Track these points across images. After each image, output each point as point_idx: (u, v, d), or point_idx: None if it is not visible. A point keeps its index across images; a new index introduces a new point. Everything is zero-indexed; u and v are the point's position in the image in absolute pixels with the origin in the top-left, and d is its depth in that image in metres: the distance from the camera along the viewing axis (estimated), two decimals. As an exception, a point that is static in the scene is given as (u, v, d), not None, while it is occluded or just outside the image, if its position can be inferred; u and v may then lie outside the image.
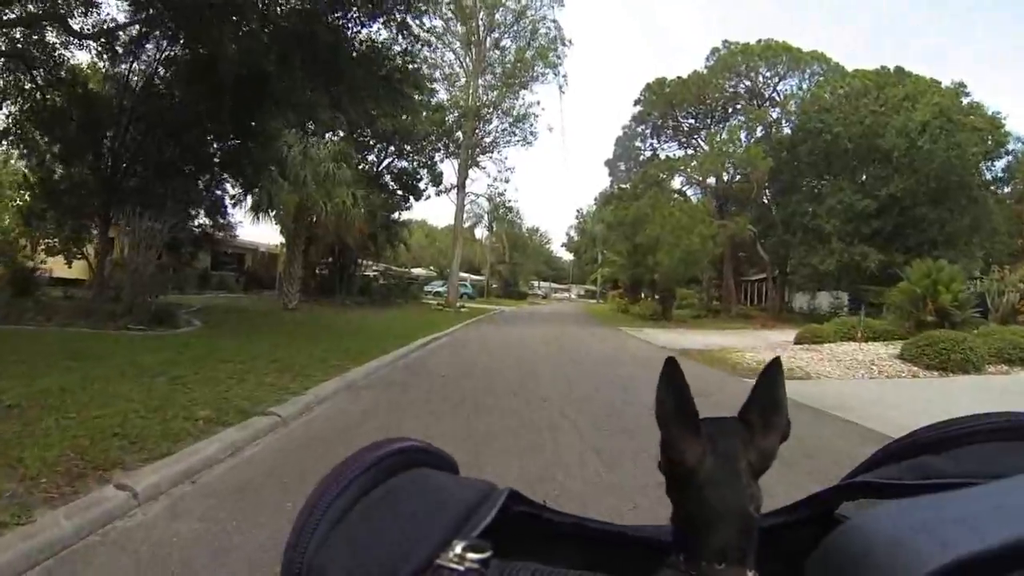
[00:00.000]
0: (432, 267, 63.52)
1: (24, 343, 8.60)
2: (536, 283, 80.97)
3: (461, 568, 0.49)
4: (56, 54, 14.59)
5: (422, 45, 15.39)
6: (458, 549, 0.50)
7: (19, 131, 15.29)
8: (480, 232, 61.86)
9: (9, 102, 14.74)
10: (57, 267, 19.03)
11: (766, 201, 35.39)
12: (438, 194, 36.23)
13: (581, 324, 26.67)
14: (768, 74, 37.70)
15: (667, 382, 0.60)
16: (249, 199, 19.82)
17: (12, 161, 17.14)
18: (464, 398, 7.78)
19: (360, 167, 29.19)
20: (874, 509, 0.55)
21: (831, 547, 0.48)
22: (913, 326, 15.61)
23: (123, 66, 15.40)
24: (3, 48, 13.70)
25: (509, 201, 40.75)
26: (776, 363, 0.63)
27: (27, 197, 17.02)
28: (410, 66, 13.85)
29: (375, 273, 37.63)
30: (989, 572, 0.39)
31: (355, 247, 27.58)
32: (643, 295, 37.89)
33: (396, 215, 34.14)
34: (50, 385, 6.02)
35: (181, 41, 14.19)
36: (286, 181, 19.34)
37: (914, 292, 16.34)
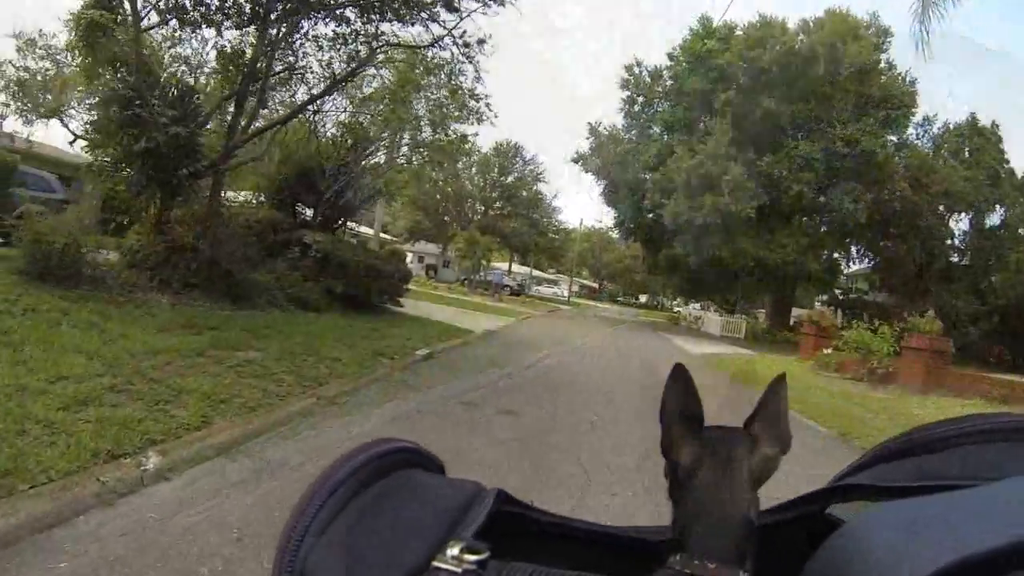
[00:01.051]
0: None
1: None
2: None
3: (458, 570, 0.50)
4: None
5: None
6: (455, 551, 0.51)
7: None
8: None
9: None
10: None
11: None
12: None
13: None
14: None
15: (673, 385, 0.65)
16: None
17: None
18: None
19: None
20: (872, 512, 0.56)
21: (830, 550, 0.50)
22: None
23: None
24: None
25: None
26: (781, 379, 0.69)
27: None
28: None
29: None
30: (986, 574, 0.39)
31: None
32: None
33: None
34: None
35: None
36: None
37: None
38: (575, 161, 35.54)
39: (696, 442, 0.64)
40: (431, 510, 0.58)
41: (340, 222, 15.95)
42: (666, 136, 30.99)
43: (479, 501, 0.61)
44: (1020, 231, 29.72)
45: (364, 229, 35.69)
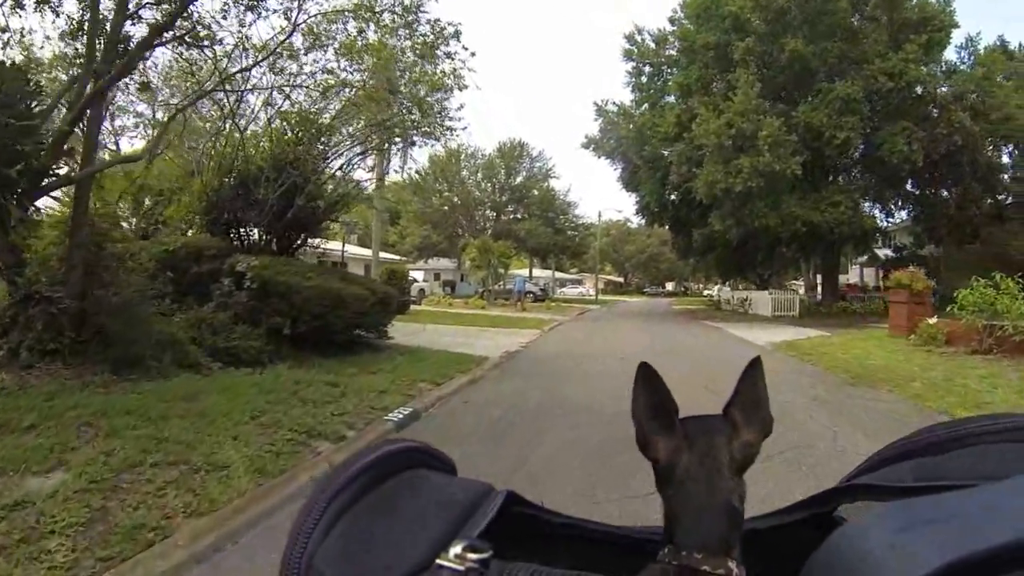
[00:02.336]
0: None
1: None
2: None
3: (461, 568, 0.50)
4: None
5: None
6: (458, 549, 0.51)
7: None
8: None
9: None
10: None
11: None
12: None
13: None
14: None
15: (642, 382, 0.64)
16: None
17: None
18: None
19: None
20: (873, 511, 0.56)
21: (829, 549, 0.49)
22: None
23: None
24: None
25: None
26: (757, 362, 0.66)
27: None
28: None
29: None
30: (987, 574, 0.39)
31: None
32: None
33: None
34: None
35: None
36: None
37: None
38: (585, 146, 31.90)
39: (672, 435, 0.63)
40: (438, 509, 0.58)
41: (300, 241, 12.39)
42: (683, 102, 26.65)
43: (487, 501, 0.61)
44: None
45: (359, 250, 32.53)
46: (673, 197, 28.88)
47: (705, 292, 73.89)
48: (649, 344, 16.10)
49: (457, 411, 7.51)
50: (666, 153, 26.80)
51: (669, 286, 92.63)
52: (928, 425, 0.65)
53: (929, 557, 0.39)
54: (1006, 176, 26.70)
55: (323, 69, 10.82)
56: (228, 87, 9.79)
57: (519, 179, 50.32)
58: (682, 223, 30.74)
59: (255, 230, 11.59)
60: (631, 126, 28.99)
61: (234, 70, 9.63)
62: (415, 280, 42.06)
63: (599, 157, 31.73)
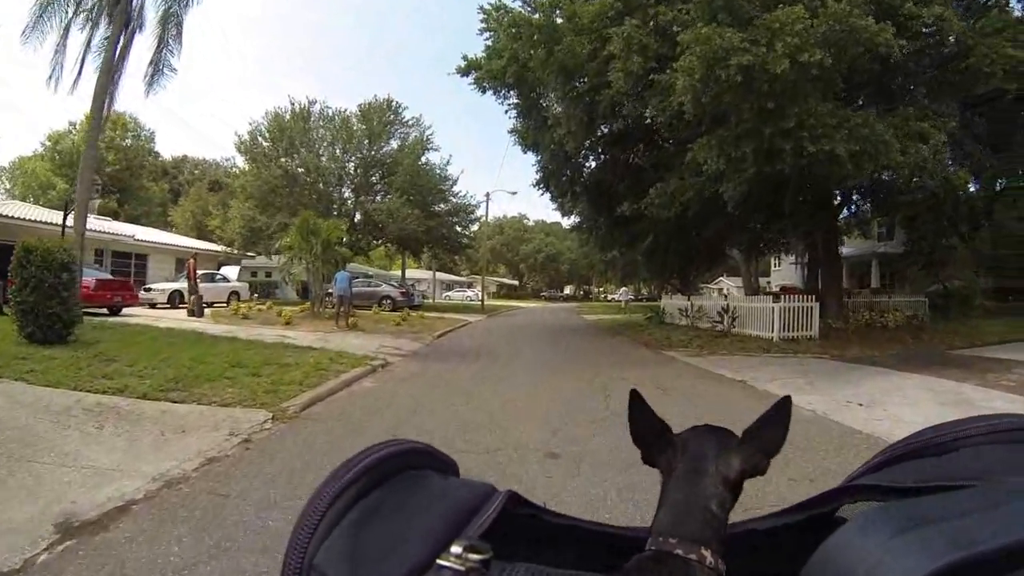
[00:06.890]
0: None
1: None
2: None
3: (462, 568, 0.50)
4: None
5: None
6: (459, 549, 0.51)
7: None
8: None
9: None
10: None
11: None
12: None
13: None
14: None
15: (634, 409, 0.72)
16: None
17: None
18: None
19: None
20: (871, 512, 0.55)
21: (829, 550, 0.49)
22: None
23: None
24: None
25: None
26: (787, 401, 0.69)
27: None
28: None
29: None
30: (987, 575, 0.39)
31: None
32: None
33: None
34: None
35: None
36: None
37: None
38: (463, 72, 20.38)
39: (668, 449, 0.70)
40: (439, 510, 0.58)
41: None
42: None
43: (489, 502, 0.61)
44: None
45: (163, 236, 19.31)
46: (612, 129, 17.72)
47: (611, 298, 65.78)
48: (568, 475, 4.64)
49: None
50: (590, 63, 15.41)
51: (567, 290, 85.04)
52: (929, 426, 0.65)
53: (929, 558, 0.39)
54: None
55: None
56: None
57: (391, 148, 38.28)
58: (608, 192, 20.03)
59: None
60: (536, 15, 17.13)
61: None
62: (223, 278, 29.28)
63: (483, 90, 20.29)
